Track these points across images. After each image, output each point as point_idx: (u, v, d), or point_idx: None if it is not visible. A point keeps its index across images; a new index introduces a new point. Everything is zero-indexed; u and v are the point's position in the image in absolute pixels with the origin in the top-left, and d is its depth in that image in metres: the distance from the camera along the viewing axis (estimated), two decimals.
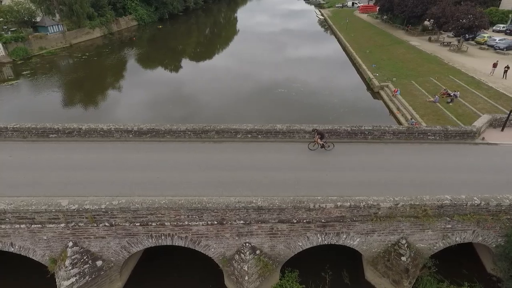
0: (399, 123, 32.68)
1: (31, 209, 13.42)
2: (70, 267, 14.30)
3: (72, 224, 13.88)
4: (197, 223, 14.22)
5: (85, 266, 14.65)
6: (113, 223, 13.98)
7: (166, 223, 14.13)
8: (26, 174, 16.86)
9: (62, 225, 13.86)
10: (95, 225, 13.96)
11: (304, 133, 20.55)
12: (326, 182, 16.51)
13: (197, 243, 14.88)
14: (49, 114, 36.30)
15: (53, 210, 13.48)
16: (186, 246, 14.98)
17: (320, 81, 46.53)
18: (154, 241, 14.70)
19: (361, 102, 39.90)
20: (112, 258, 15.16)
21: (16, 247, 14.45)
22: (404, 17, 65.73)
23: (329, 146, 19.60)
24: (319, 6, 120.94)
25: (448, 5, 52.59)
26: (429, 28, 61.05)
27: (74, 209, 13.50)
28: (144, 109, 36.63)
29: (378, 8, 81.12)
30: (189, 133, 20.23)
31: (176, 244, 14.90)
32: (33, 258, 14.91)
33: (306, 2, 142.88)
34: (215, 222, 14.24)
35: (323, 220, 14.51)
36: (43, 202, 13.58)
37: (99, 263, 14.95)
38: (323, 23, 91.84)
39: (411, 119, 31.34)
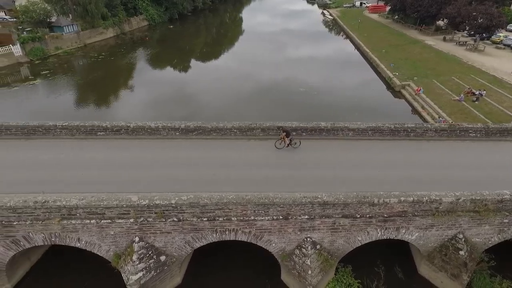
0: (425, 121, 32.96)
1: (103, 204, 13.62)
2: (137, 262, 14.50)
3: (141, 220, 14.07)
4: (262, 218, 14.43)
5: (150, 261, 14.85)
6: (181, 218, 14.18)
7: (232, 218, 14.34)
8: (79, 171, 17.05)
9: (131, 220, 14.06)
10: (163, 220, 14.15)
11: (348, 130, 20.77)
12: (378, 179, 16.73)
13: (260, 238, 15.08)
14: (74, 113, 36.60)
15: (124, 205, 13.68)
16: (248, 241, 15.19)
17: (338, 80, 46.78)
18: (217, 236, 14.90)
19: (383, 101, 40.22)
20: (174, 253, 15.37)
21: (83, 242, 14.64)
22: (417, 17, 66.07)
23: (295, 143, 19.60)
24: (324, 6, 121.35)
25: (463, 5, 52.90)
26: (443, 27, 61.34)
27: (145, 205, 13.70)
28: (159, 108, 36.78)
29: (388, 8, 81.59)
30: (235, 130, 20.43)
31: (239, 239, 15.13)
32: (97, 253, 15.11)
33: (308, 3, 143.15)
34: (280, 217, 14.45)
35: (385, 215, 14.74)
36: (113, 198, 13.78)
37: (162, 258, 15.15)
38: (331, 23, 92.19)
39: (439, 117, 31.58)
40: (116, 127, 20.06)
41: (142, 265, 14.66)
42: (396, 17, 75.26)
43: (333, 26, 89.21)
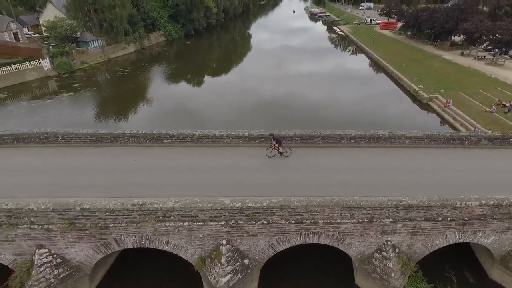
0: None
1: (198, 207, 14.07)
2: (225, 264, 14.82)
3: (232, 222, 14.48)
4: (347, 221, 14.83)
5: (236, 264, 15.17)
6: (270, 220, 14.60)
7: (319, 221, 14.75)
8: (153, 176, 17.54)
9: (223, 222, 14.47)
10: (253, 223, 14.56)
11: (405, 138, 21.35)
12: (443, 184, 17.17)
13: (342, 241, 15.45)
14: (110, 122, 37.44)
15: (218, 208, 14.12)
16: (330, 244, 15.54)
17: (363, 93, 47.71)
18: (301, 239, 15.27)
19: (411, 112, 41.07)
20: (257, 257, 15.69)
21: (171, 245, 15.00)
22: (431, 33, 67.77)
23: (286, 152, 19.84)
24: (331, 22, 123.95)
25: (480, 21, 54.47)
26: (459, 43, 62.87)
27: (238, 207, 14.14)
28: (181, 118, 37.71)
29: (400, 24, 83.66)
30: (296, 138, 21.02)
31: (321, 242, 15.49)
32: (183, 256, 15.45)
33: (311, 20, 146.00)
34: (365, 220, 14.85)
35: (465, 218, 15.14)
36: (207, 200, 14.24)
37: (246, 261, 15.46)
38: (341, 38, 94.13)
39: (475, 128, 32.21)
40: (182, 135, 20.67)
41: (229, 268, 14.96)
42: (409, 33, 77.08)
43: (345, 41, 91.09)
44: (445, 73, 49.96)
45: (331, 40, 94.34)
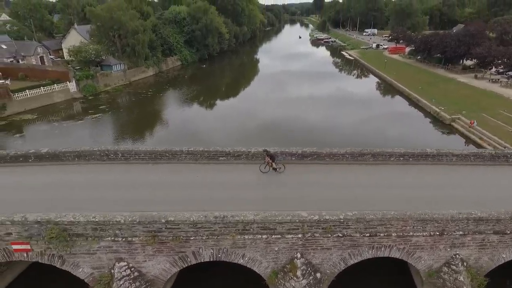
0: None
1: (277, 219, 14.51)
2: (301, 278, 15.07)
3: (308, 235, 14.87)
4: (419, 234, 15.21)
5: (310, 278, 15.39)
6: (345, 233, 14.98)
7: (392, 234, 15.13)
8: (215, 191, 18.04)
9: (299, 235, 14.85)
10: (328, 236, 14.94)
11: (452, 156, 21.98)
12: (497, 199, 17.55)
13: (412, 254, 15.74)
14: (140, 141, 38.20)
15: (296, 221, 14.56)
16: (400, 257, 15.83)
17: (384, 115, 48.76)
18: (373, 253, 15.58)
19: (435, 133, 41.93)
20: (327, 271, 15.93)
21: (246, 258, 15.31)
22: (442, 57, 69.91)
23: (280, 168, 20.17)
24: (337, 47, 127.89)
25: (492, 46, 56.46)
26: (471, 66, 64.76)
27: (315, 220, 14.58)
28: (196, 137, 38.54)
29: (408, 49, 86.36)
30: (347, 156, 21.65)
31: (392, 256, 15.79)
32: (256, 270, 15.71)
33: (313, 45, 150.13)
34: (436, 233, 15.23)
35: None
36: (285, 213, 14.70)
37: (318, 275, 15.69)
38: (350, 63, 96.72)
39: (505, 148, 32.88)
40: (237, 153, 21.32)
41: (304, 281, 15.18)
42: (419, 57, 79.46)
43: (355, 65, 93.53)
44: (463, 95, 51.23)
45: (341, 64, 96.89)
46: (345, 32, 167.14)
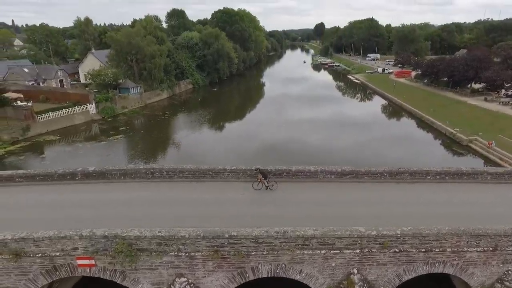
0: None
1: (336, 234, 14.88)
2: None
3: (366, 250, 15.18)
4: (472, 250, 15.50)
5: None
6: (401, 249, 15.29)
7: (447, 249, 15.43)
8: (267, 207, 18.47)
9: (357, 251, 15.16)
10: (385, 251, 15.24)
11: (487, 174, 22.51)
12: None
13: (465, 270, 15.96)
14: (165, 161, 38.82)
15: (355, 236, 14.92)
16: (453, 273, 16.04)
17: (399, 136, 49.64)
18: (427, 269, 15.79)
19: (453, 153, 42.63)
20: (382, 287, 16.09)
21: (303, 274, 15.53)
22: (450, 80, 71.72)
23: (272, 185, 20.56)
24: (338, 72, 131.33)
25: (501, 70, 58.22)
26: (479, 89, 66.36)
27: (373, 235, 14.95)
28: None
29: (414, 72, 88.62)
30: (385, 174, 22.18)
31: (446, 272, 16.00)
32: (312, 286, 15.87)
33: (315, 69, 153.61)
34: (489, 249, 15.54)
35: None
36: (344, 228, 15.09)
37: None
38: (358, 86, 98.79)
39: None
40: (279, 171, 21.84)
41: None
42: (426, 80, 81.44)
43: (363, 88, 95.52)
44: (475, 117, 52.29)
45: (349, 88, 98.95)
46: (348, 57, 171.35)
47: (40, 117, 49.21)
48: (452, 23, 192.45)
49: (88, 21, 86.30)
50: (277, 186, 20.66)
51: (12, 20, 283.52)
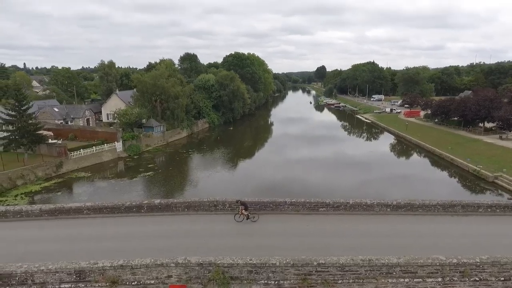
0: None
1: (419, 262, 15.42)
2: None
3: (447, 279, 15.61)
4: None
5: None
6: (481, 277, 15.72)
7: None
8: (325, 239, 19.03)
9: (439, 279, 15.60)
10: (465, 279, 15.67)
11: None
12: None
13: None
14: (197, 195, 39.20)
15: (437, 264, 15.46)
16: None
17: (421, 174, 50.65)
18: None
19: (480, 190, 43.30)
20: None
21: None
22: (461, 120, 74.13)
23: (254, 217, 20.91)
24: (344, 112, 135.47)
25: None
26: (492, 128, 68.44)
27: (454, 263, 15.48)
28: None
29: (425, 112, 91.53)
30: (438, 207, 22.93)
31: None
32: None
33: (317, 110, 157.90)
34: None
35: None
36: (426, 256, 15.66)
37: None
38: (368, 126, 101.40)
39: None
40: (337, 204, 22.66)
41: None
42: (436, 120, 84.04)
43: (375, 128, 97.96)
44: (495, 154, 53.58)
45: (359, 127, 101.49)
46: (353, 98, 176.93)
47: (72, 154, 50.57)
48: (451, 66, 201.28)
49: (111, 64, 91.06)
50: (258, 217, 20.96)
51: (24, 64, 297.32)
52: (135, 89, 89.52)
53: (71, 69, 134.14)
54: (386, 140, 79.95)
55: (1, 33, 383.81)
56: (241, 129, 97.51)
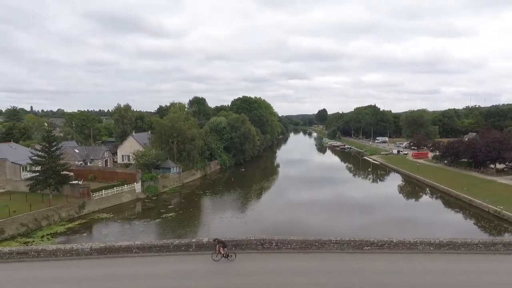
0: None
1: None
2: None
3: None
4: None
5: None
6: None
7: None
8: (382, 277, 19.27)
9: None
10: None
11: None
12: None
13: None
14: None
15: None
16: None
17: (443, 216, 50.79)
18: None
19: (506, 231, 43.32)
20: None
21: None
22: (471, 161, 75.37)
23: (231, 256, 20.93)
24: (351, 154, 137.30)
25: None
26: (504, 169, 69.44)
27: None
28: None
29: (433, 154, 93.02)
30: (480, 245, 23.27)
31: None
32: None
33: (320, 151, 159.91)
34: None
35: None
36: None
37: None
38: (377, 167, 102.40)
39: None
40: (381, 242, 23.05)
41: None
42: (445, 161, 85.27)
43: (384, 169, 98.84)
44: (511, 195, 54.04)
45: (371, 170, 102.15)
46: (357, 140, 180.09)
47: (94, 195, 51.05)
48: (449, 109, 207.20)
49: (127, 107, 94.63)
50: (235, 257, 20.95)
51: (31, 107, 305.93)
52: (149, 131, 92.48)
53: (76, 111, 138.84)
54: (398, 182, 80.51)
55: (10, 78, 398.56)
56: (252, 171, 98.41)
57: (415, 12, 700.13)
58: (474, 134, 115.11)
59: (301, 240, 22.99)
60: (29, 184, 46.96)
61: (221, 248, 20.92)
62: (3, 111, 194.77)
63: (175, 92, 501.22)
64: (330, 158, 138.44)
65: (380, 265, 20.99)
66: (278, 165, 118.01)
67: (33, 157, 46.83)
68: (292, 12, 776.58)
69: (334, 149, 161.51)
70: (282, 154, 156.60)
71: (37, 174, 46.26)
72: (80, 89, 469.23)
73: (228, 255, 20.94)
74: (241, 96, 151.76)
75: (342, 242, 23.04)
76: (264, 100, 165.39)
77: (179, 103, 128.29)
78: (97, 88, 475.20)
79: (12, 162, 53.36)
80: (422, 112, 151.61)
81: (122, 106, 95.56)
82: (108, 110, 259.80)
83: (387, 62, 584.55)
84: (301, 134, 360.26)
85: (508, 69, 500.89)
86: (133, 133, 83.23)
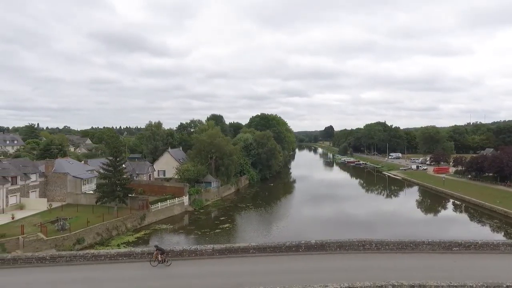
0: None
1: None
2: None
3: None
4: None
5: None
6: None
7: None
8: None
9: None
10: None
11: None
12: None
13: None
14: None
15: None
16: None
17: (486, 226, 53.38)
18: None
19: None
20: None
21: None
22: (496, 175, 78.23)
23: (167, 261, 22.69)
24: (367, 170, 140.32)
25: None
26: None
27: None
28: None
29: (456, 169, 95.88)
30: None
31: None
32: None
33: (327, 165, 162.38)
34: None
35: None
36: None
37: None
38: (396, 182, 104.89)
39: None
40: (468, 243, 25.88)
41: None
42: (469, 176, 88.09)
43: (405, 183, 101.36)
44: None
45: (390, 185, 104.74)
46: (370, 156, 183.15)
47: (152, 207, 53.92)
48: (456, 125, 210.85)
49: (159, 124, 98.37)
50: (171, 262, 22.73)
51: (38, 124, 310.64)
52: (180, 147, 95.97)
53: (78, 129, 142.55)
54: (427, 196, 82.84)
55: (14, 96, 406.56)
56: (279, 185, 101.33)
57: (411, 32, 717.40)
58: (492, 149, 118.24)
59: (397, 241, 25.92)
60: (97, 197, 49.97)
61: (157, 254, 22.53)
62: (21, 127, 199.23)
63: (176, 110, 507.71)
64: (348, 174, 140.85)
65: (469, 262, 23.74)
66: (295, 181, 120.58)
67: (101, 171, 50.02)
68: (292, 32, 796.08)
69: (348, 165, 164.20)
70: (296, 170, 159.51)
71: (104, 186, 49.34)
72: (82, 106, 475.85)
73: (164, 260, 22.52)
74: (259, 114, 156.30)
75: (434, 243, 25.93)
76: (280, 117, 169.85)
77: (199, 120, 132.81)
78: (99, 106, 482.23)
79: (73, 176, 56.46)
80: (438, 129, 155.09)
81: (153, 123, 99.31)
82: (113, 127, 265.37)
83: (385, 80, 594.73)
84: (305, 150, 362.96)
85: (505, 86, 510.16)
86: (169, 149, 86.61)
